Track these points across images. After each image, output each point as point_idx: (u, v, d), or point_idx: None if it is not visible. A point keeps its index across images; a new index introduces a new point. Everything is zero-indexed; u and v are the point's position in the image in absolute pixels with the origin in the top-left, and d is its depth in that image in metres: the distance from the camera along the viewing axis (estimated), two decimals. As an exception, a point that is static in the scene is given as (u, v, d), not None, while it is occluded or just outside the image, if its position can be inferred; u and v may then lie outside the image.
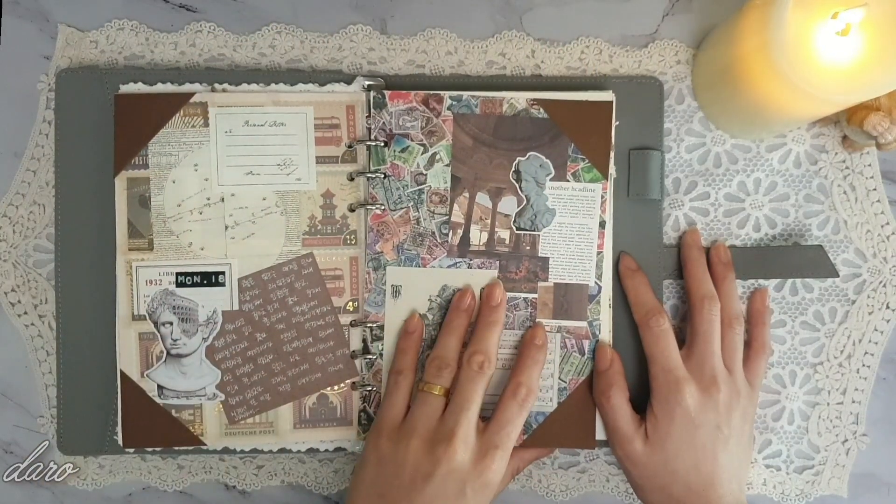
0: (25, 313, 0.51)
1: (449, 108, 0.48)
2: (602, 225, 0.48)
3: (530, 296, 0.49)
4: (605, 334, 0.49)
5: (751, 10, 0.43)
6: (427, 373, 0.46)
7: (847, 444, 0.52)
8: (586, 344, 0.49)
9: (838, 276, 0.51)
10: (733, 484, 0.46)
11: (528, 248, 0.49)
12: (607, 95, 0.48)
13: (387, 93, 0.48)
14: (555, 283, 0.49)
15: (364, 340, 0.49)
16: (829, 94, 0.40)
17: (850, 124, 0.47)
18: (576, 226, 0.49)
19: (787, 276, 0.51)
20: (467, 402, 0.44)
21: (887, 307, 0.52)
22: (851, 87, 0.40)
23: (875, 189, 0.51)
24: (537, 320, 0.49)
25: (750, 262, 0.51)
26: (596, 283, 0.49)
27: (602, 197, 0.48)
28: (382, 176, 0.49)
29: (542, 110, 0.48)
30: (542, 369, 0.47)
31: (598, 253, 0.49)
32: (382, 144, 0.49)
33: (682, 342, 0.48)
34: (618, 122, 0.49)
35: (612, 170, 0.49)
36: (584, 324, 0.49)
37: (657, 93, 0.50)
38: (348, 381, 0.49)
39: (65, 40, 0.50)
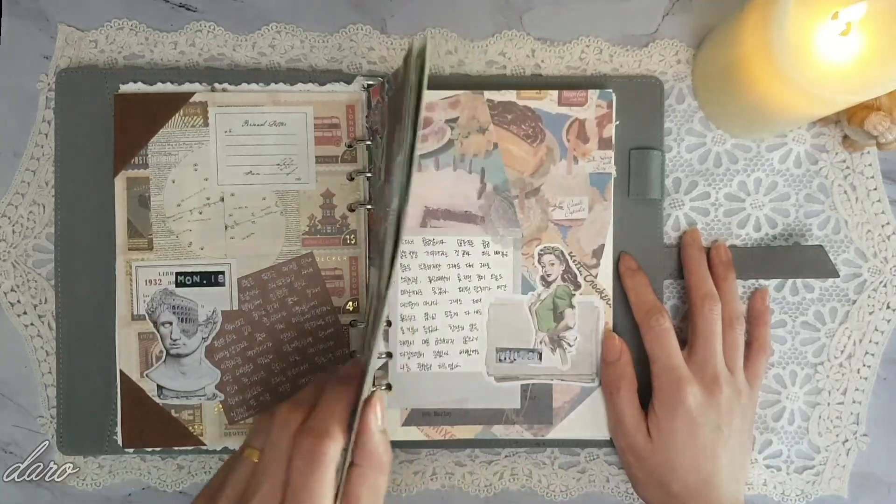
0: (25, 313, 0.51)
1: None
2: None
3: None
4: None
5: (751, 10, 0.43)
6: (248, 434, 0.40)
7: (847, 444, 0.52)
8: None
9: (839, 276, 0.51)
10: (732, 484, 0.46)
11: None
12: (606, 95, 0.49)
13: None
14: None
15: (364, 340, 0.49)
16: (830, 93, 0.40)
17: (850, 124, 0.47)
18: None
19: (787, 277, 0.51)
20: (266, 470, 0.36)
21: (888, 307, 0.52)
22: (852, 86, 0.40)
23: (875, 189, 0.51)
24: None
25: (750, 262, 0.50)
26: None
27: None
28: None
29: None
30: (346, 405, 0.39)
31: None
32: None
33: (682, 342, 0.48)
34: (618, 122, 0.49)
35: (612, 170, 0.49)
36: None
37: (657, 92, 0.50)
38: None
39: (64, 40, 0.50)
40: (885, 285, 0.51)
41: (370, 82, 0.49)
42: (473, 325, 0.49)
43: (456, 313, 0.49)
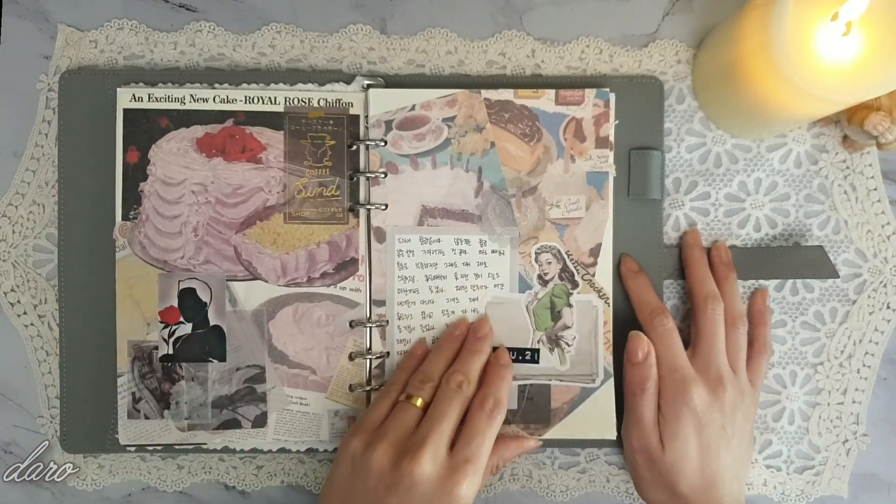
0: (25, 313, 0.51)
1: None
2: None
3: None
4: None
5: (751, 10, 0.43)
6: (410, 385, 0.46)
7: (847, 444, 0.52)
8: None
9: (839, 276, 0.51)
10: (734, 484, 0.46)
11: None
12: (603, 94, 0.49)
13: None
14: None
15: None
16: (830, 93, 0.40)
17: (850, 124, 0.47)
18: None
19: (787, 277, 0.51)
20: (442, 416, 0.43)
21: (888, 307, 0.52)
22: (852, 86, 0.40)
23: (876, 189, 0.51)
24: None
25: (750, 262, 0.50)
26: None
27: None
28: (383, 175, 0.49)
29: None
30: (509, 385, 0.47)
31: None
32: (382, 144, 0.48)
33: (685, 343, 0.48)
34: (617, 122, 0.49)
35: (609, 169, 0.49)
36: None
37: (657, 93, 0.50)
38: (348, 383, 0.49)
39: (64, 40, 0.50)
40: (885, 285, 0.51)
41: (370, 82, 0.49)
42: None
43: (453, 312, 0.49)
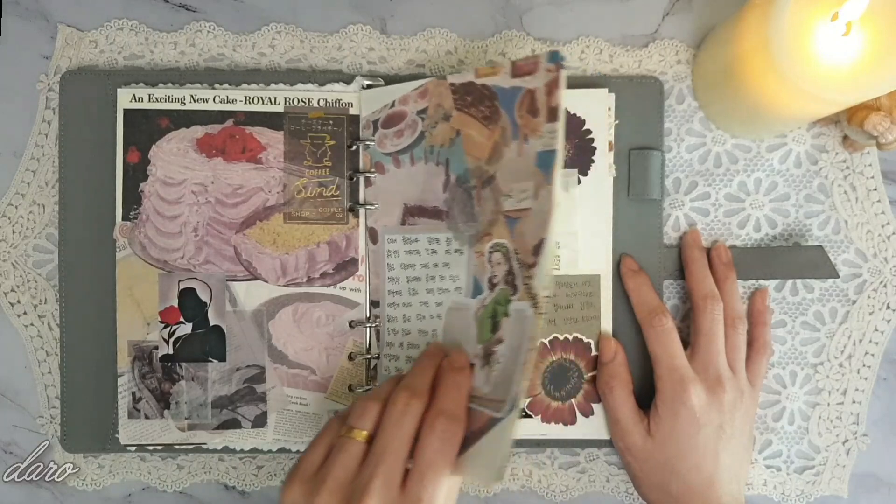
0: (25, 313, 0.51)
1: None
2: None
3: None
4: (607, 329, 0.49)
5: (751, 10, 0.43)
6: (349, 416, 0.40)
7: (847, 444, 0.52)
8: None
9: (839, 276, 0.51)
10: (733, 484, 0.46)
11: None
12: (604, 94, 0.48)
13: None
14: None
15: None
16: (830, 94, 0.40)
17: (850, 124, 0.47)
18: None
19: (787, 277, 0.51)
20: (385, 450, 0.37)
21: (888, 307, 0.52)
22: (851, 87, 0.40)
23: (875, 189, 0.51)
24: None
25: (750, 262, 0.50)
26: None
27: None
28: (373, 175, 0.48)
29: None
30: (466, 393, 0.40)
31: None
32: (373, 143, 0.48)
33: (683, 342, 0.48)
34: (617, 122, 0.49)
35: (612, 170, 0.49)
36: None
37: (657, 93, 0.50)
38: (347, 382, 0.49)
39: (64, 40, 0.50)
40: (885, 285, 0.51)
41: (370, 82, 0.49)
42: (435, 331, 0.46)
43: (423, 317, 0.46)
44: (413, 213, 0.48)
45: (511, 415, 0.38)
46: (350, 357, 0.49)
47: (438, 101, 0.46)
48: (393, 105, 0.48)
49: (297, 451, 0.50)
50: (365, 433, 0.39)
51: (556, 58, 0.41)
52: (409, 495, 0.36)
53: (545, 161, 0.40)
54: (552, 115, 0.40)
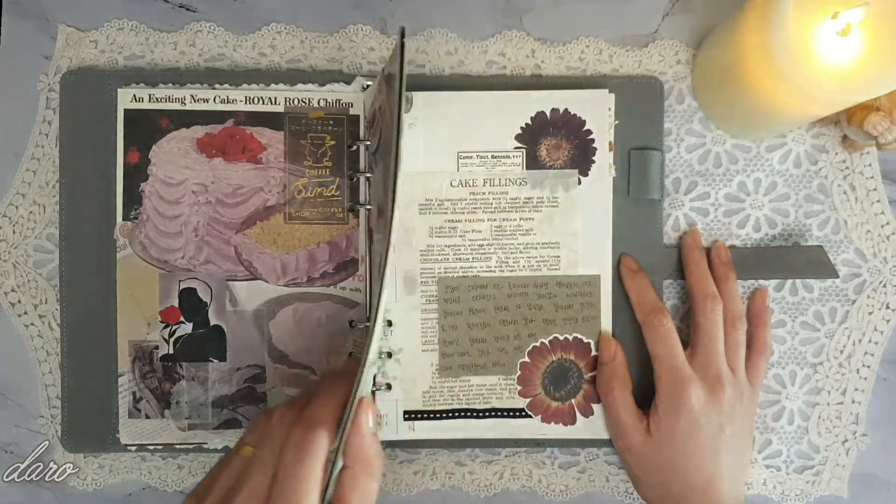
0: (25, 313, 0.51)
1: None
2: None
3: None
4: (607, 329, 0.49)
5: (751, 10, 0.43)
6: (245, 431, 0.40)
7: (847, 444, 0.52)
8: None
9: (838, 276, 0.51)
10: (733, 483, 0.46)
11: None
12: (604, 94, 0.49)
13: None
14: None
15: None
16: (830, 93, 0.40)
17: (850, 124, 0.47)
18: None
19: (787, 277, 0.51)
20: (254, 462, 0.36)
21: (887, 307, 0.52)
22: (851, 87, 0.40)
23: (875, 189, 0.51)
24: None
25: (750, 262, 0.51)
26: None
27: None
28: (370, 174, 0.49)
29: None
30: (335, 401, 0.38)
31: None
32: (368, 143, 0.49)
33: (683, 342, 0.48)
34: (617, 122, 0.49)
35: (612, 170, 0.49)
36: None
37: (657, 93, 0.50)
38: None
39: (65, 40, 0.50)
40: (884, 285, 0.51)
41: (370, 82, 0.49)
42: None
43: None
44: (384, 213, 0.48)
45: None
46: (350, 357, 0.49)
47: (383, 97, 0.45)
48: (374, 103, 0.48)
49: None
50: (250, 448, 0.38)
51: (401, 33, 0.40)
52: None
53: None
54: (390, 84, 0.39)
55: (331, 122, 0.49)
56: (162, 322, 0.49)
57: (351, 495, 0.36)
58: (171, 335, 0.49)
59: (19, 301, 0.51)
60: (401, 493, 0.52)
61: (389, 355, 0.49)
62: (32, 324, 0.51)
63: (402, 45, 0.39)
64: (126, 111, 0.49)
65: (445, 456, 0.52)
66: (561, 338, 0.49)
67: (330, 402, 0.38)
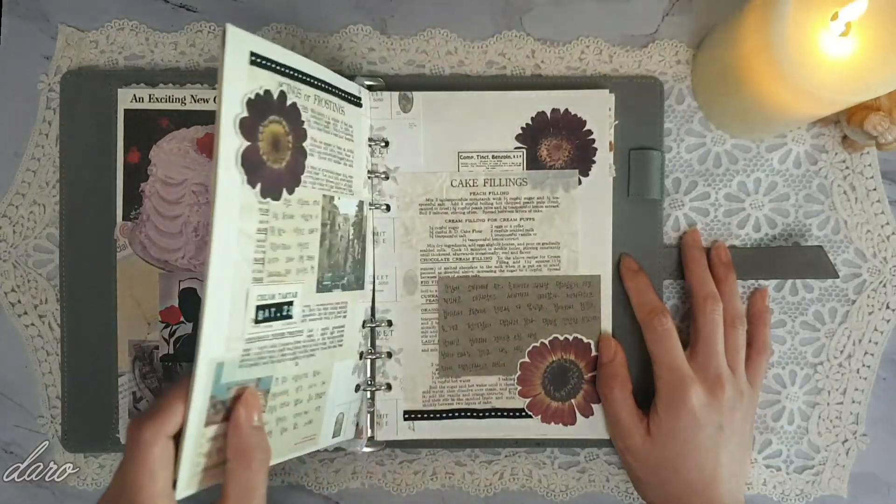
0: (25, 313, 0.51)
1: None
2: None
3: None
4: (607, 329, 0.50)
5: (751, 10, 0.43)
6: None
7: (847, 444, 0.52)
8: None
9: (838, 276, 0.51)
10: (733, 483, 0.46)
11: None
12: (604, 95, 0.49)
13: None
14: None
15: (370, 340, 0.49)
16: (830, 93, 0.40)
17: (850, 124, 0.47)
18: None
19: (787, 277, 0.51)
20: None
21: (887, 307, 0.52)
22: (852, 87, 0.40)
23: (875, 189, 0.51)
24: None
25: (750, 262, 0.51)
26: None
27: None
28: (384, 176, 0.49)
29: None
30: (179, 391, 0.37)
31: None
32: (383, 144, 0.49)
33: (682, 342, 0.48)
34: (617, 122, 0.49)
35: (612, 170, 0.49)
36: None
37: (657, 93, 0.50)
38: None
39: (65, 40, 0.50)
40: (884, 285, 0.52)
41: (370, 82, 0.49)
42: None
43: None
44: None
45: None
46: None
47: None
48: None
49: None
50: None
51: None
52: None
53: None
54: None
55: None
56: (162, 322, 0.49)
57: (229, 488, 0.37)
58: (171, 335, 0.49)
59: (19, 301, 0.51)
60: (401, 493, 0.52)
61: (389, 355, 0.49)
62: (32, 324, 0.51)
63: (224, 42, 0.37)
64: (126, 111, 0.49)
65: (445, 456, 0.52)
66: (561, 338, 0.49)
67: (167, 397, 0.37)
